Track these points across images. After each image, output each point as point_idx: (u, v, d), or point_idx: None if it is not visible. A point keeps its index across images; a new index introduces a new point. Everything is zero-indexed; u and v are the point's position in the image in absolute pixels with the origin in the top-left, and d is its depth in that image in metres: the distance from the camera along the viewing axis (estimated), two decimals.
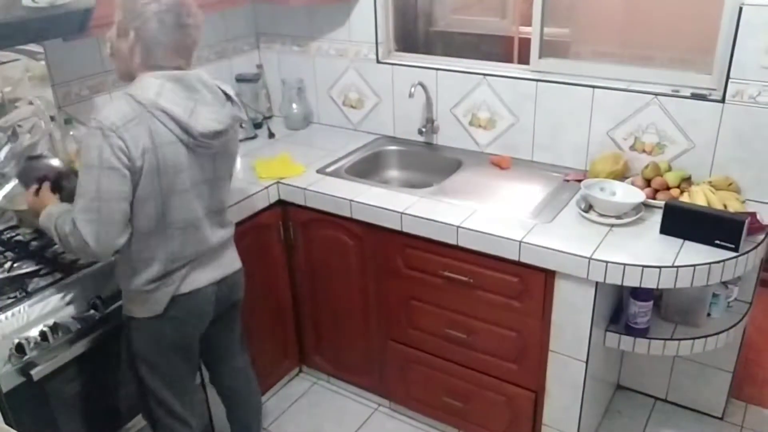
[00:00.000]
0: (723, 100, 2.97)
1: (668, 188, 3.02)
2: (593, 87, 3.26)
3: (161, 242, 2.40)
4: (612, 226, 2.86)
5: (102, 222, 2.23)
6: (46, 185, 2.62)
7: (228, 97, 2.48)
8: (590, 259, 2.64)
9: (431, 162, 3.76)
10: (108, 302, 2.62)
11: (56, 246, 2.75)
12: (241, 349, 3.03)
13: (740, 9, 2.81)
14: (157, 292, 2.45)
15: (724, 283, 3.04)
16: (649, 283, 2.62)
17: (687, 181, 3.05)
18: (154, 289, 2.44)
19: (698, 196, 2.87)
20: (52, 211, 2.41)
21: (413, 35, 4.73)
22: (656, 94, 3.13)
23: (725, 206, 2.83)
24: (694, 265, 2.60)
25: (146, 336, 2.53)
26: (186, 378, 2.74)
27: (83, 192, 2.22)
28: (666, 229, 2.79)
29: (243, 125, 2.55)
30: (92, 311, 2.56)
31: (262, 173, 3.44)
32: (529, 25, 3.46)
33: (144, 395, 2.66)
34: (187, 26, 2.31)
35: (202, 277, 2.56)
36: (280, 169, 3.49)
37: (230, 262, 2.71)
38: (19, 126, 3.00)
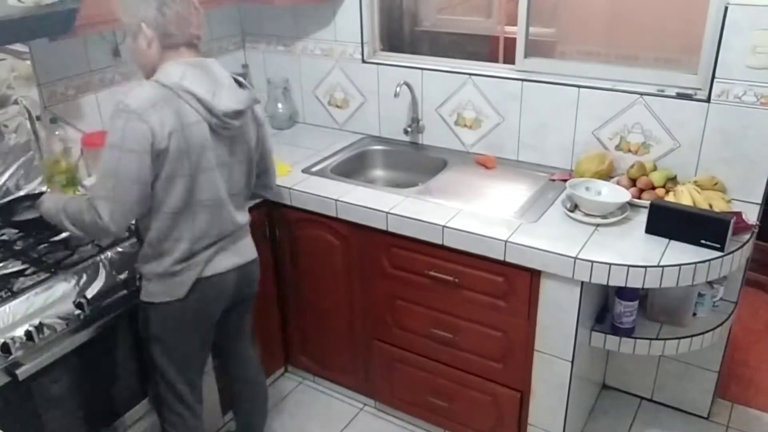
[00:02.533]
0: (708, 100, 2.97)
1: (654, 188, 3.02)
2: (579, 86, 3.26)
3: (189, 221, 2.47)
4: (597, 225, 2.86)
5: (116, 201, 2.30)
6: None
7: (240, 84, 2.55)
8: (576, 258, 2.64)
9: (417, 162, 3.76)
10: (93, 302, 2.59)
11: (42, 246, 2.75)
12: (252, 340, 3.09)
13: (725, 8, 2.81)
14: (182, 274, 2.52)
15: (710, 283, 3.05)
16: (635, 282, 2.63)
17: (672, 180, 3.06)
18: (179, 271, 2.51)
19: (684, 196, 2.88)
20: (60, 197, 2.62)
21: (399, 35, 4.73)
22: (642, 94, 3.13)
23: (711, 206, 2.84)
24: (679, 265, 2.60)
25: (166, 319, 2.59)
26: (197, 365, 2.80)
27: (103, 169, 2.33)
28: (651, 228, 2.79)
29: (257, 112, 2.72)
30: (77, 311, 2.54)
31: None
32: (515, 24, 3.46)
33: (155, 379, 2.74)
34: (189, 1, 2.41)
35: (225, 262, 2.63)
36: None
37: (250, 250, 2.79)
38: (5, 126, 2.99)
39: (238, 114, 2.47)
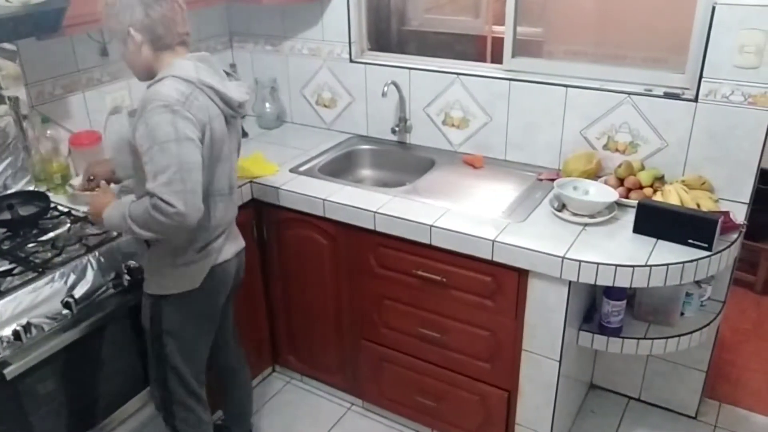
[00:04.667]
0: (696, 99, 2.98)
1: (641, 187, 3.02)
2: (566, 86, 3.26)
3: (207, 210, 2.47)
4: (585, 225, 2.86)
5: (187, 192, 2.25)
6: (104, 184, 2.85)
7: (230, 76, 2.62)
8: (563, 258, 2.64)
9: (404, 161, 3.75)
10: (81, 302, 2.58)
11: (29, 245, 2.74)
12: (234, 329, 3.14)
13: (713, 8, 2.82)
14: (199, 263, 2.58)
15: (698, 282, 3.06)
16: (623, 282, 2.63)
17: (660, 180, 3.06)
18: (196, 260, 2.57)
19: (671, 196, 2.88)
20: (116, 203, 2.50)
21: (386, 34, 4.73)
22: (629, 93, 3.13)
23: (698, 205, 2.84)
24: (667, 264, 2.60)
25: (181, 311, 2.64)
26: (204, 357, 2.85)
27: (162, 168, 2.23)
28: (639, 228, 2.79)
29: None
30: (65, 311, 2.53)
31: None
32: (502, 24, 3.46)
33: (165, 375, 2.76)
34: None
35: (230, 248, 2.72)
36: (254, 168, 3.46)
37: (241, 236, 2.89)
38: None
39: (242, 105, 2.55)
